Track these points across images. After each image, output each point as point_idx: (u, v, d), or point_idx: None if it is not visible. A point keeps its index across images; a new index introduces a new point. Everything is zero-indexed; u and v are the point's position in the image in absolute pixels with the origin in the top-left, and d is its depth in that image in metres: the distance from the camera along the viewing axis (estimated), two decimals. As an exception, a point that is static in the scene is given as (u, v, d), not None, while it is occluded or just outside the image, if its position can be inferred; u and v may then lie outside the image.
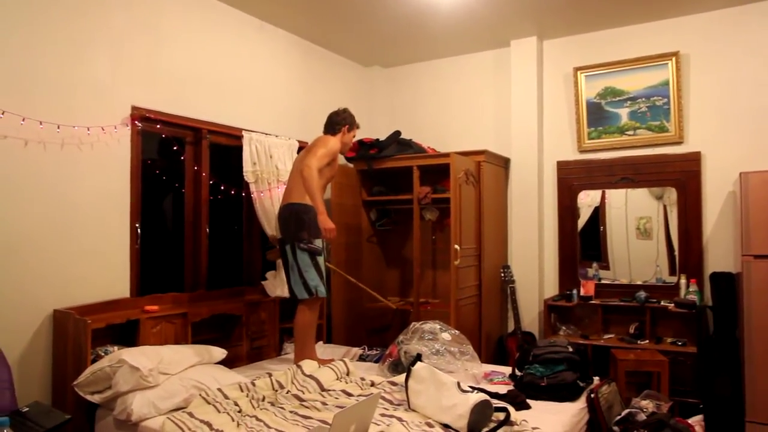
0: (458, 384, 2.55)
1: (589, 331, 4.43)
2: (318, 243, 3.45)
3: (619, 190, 4.58)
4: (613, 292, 4.50)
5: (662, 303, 4.15)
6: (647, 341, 4.15)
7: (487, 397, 2.48)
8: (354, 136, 3.87)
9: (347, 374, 3.21)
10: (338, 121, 3.74)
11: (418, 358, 2.82)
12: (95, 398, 2.81)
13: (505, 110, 4.97)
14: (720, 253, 4.19)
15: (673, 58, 4.29)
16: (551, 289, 4.79)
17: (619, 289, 4.50)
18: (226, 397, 2.76)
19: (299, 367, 3.17)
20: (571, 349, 3.16)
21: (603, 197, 4.70)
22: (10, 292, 2.87)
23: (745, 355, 3.61)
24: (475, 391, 2.54)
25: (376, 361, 3.77)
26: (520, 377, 3.12)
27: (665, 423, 2.87)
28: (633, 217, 4.61)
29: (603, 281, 4.62)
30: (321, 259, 3.48)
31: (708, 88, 4.26)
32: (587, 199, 4.76)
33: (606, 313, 4.41)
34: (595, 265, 4.72)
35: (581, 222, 4.78)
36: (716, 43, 4.22)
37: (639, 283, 4.47)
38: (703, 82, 4.27)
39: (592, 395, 2.98)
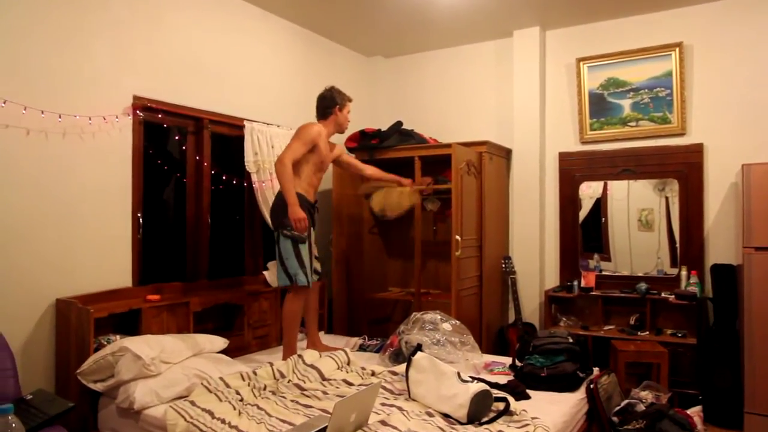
0: (458, 374, 2.56)
1: (589, 322, 4.44)
2: None
3: (621, 181, 4.57)
4: (613, 283, 4.50)
5: (663, 295, 4.16)
6: (647, 332, 4.16)
7: (487, 387, 2.49)
8: (349, 111, 3.71)
9: (348, 364, 3.23)
10: (327, 104, 3.63)
11: (419, 348, 2.83)
12: (98, 386, 2.83)
13: (507, 101, 4.96)
14: (721, 245, 4.19)
15: (677, 49, 4.27)
16: (552, 280, 4.80)
17: (619, 281, 4.50)
18: (228, 386, 2.77)
19: (300, 356, 3.18)
20: (571, 340, 3.17)
21: (605, 189, 4.69)
22: (14, 281, 2.89)
23: (745, 347, 3.61)
24: (475, 381, 2.55)
25: (377, 351, 3.78)
26: (521, 368, 3.13)
27: (664, 414, 2.89)
28: (635, 209, 4.60)
29: (604, 273, 4.62)
30: (304, 248, 3.41)
31: (711, 80, 4.23)
32: (589, 191, 4.75)
33: (606, 304, 4.42)
34: (596, 256, 4.73)
35: (583, 213, 4.78)
36: (720, 34, 4.19)
37: (640, 274, 4.47)
38: (706, 74, 4.25)
39: (592, 386, 2.99)
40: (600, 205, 4.74)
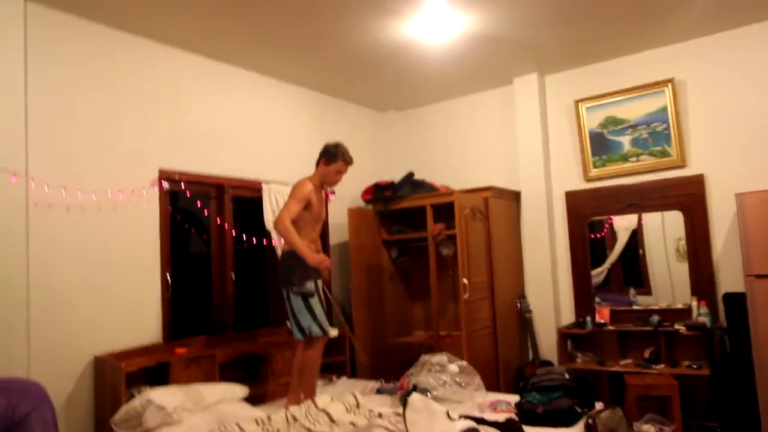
0: (447, 413, 2.73)
1: (605, 357, 4.48)
2: (309, 285, 3.56)
3: (655, 213, 4.56)
4: (629, 317, 4.54)
5: (675, 326, 4.17)
6: (663, 365, 4.17)
7: (474, 425, 2.65)
8: (338, 171, 3.71)
9: (357, 407, 3.42)
10: (320, 155, 3.74)
11: (414, 389, 3.01)
12: (129, 435, 3.13)
13: (512, 145, 5.17)
14: (732, 274, 4.17)
15: (669, 85, 4.40)
16: (568, 316, 4.87)
17: (636, 314, 4.53)
18: (243, 431, 3.02)
19: (313, 401, 3.41)
20: (567, 376, 3.27)
21: (639, 220, 4.69)
22: (57, 340, 3.28)
23: (757, 376, 3.60)
24: (462, 418, 2.71)
25: (392, 394, 3.96)
26: (520, 405, 3.25)
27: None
28: (671, 238, 4.57)
29: (622, 307, 4.62)
30: (314, 300, 3.58)
31: (705, 112, 4.34)
32: (624, 223, 4.77)
33: (622, 338, 4.45)
34: (632, 290, 4.70)
35: (619, 246, 4.80)
36: (709, 67, 4.32)
37: (654, 307, 4.49)
38: (700, 106, 4.36)
39: (590, 421, 3.07)
40: (636, 237, 4.75)
